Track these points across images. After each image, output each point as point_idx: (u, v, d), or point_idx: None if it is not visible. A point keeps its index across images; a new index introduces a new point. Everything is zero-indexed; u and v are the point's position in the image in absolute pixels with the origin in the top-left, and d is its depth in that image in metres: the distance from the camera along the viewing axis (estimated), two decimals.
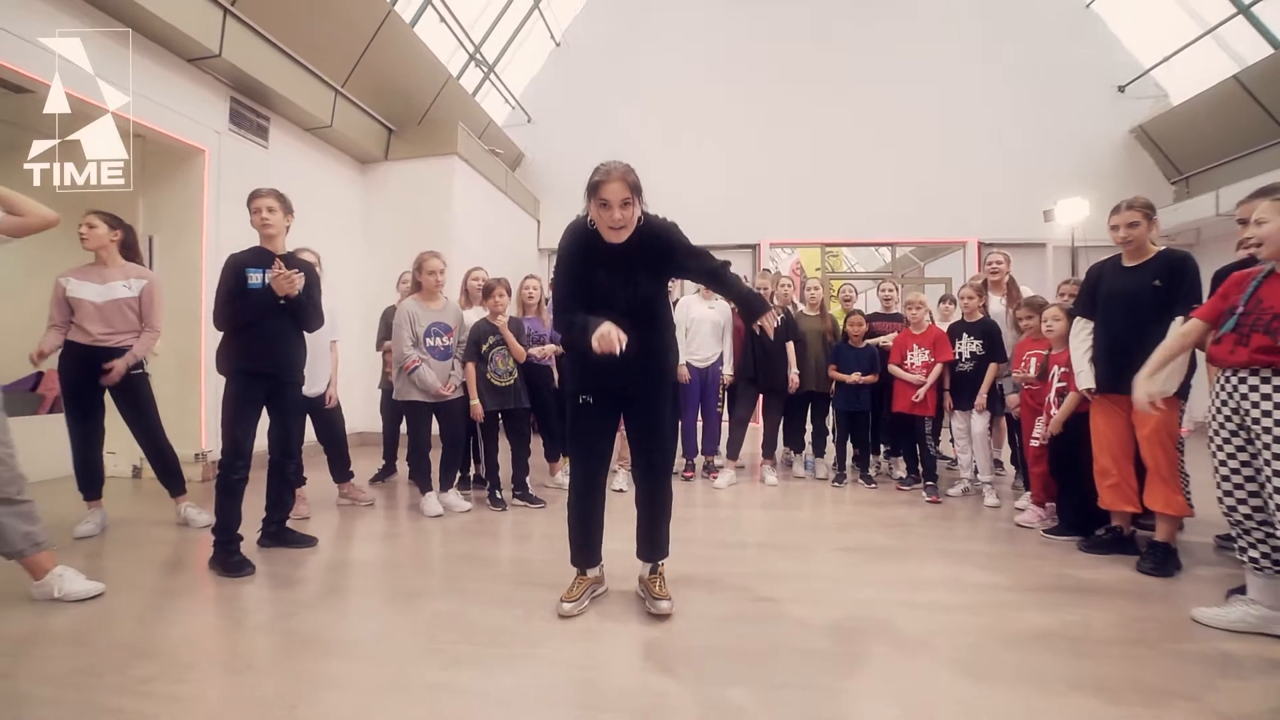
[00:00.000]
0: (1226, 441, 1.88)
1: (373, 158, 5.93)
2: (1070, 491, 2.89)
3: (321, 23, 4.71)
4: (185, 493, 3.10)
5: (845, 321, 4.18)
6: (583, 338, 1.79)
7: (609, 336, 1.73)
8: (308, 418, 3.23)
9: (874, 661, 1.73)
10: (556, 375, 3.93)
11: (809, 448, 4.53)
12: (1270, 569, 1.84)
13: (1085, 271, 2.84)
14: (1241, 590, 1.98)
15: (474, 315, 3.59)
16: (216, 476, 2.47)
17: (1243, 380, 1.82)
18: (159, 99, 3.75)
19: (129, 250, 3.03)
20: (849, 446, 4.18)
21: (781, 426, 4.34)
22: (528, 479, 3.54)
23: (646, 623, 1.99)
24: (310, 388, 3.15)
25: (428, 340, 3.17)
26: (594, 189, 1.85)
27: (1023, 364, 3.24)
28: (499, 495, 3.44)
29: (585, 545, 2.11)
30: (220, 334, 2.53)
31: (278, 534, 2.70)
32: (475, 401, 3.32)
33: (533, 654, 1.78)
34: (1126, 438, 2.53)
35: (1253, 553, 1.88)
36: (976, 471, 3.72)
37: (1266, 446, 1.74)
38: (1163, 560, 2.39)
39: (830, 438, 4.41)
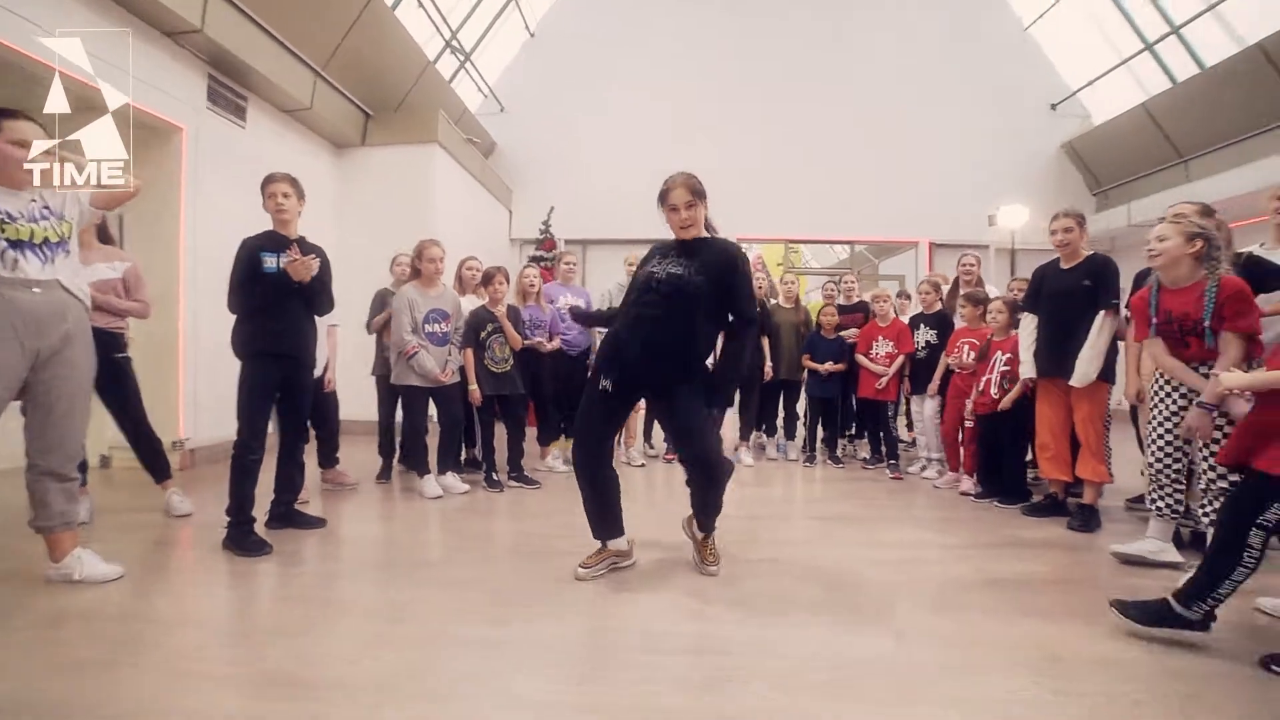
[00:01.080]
0: (1168, 418, 2.26)
1: (349, 142, 5.84)
2: (993, 463, 3.36)
3: (306, 1, 4.62)
4: (171, 478, 3.09)
5: (819, 313, 4.51)
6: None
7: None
8: None
9: (860, 603, 2.02)
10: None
11: (781, 432, 4.87)
12: (1169, 515, 2.31)
13: (1031, 272, 3.26)
14: None
15: (468, 304, 3.70)
16: (232, 457, 2.51)
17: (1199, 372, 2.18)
18: (137, 74, 3.63)
19: (104, 234, 2.98)
20: (819, 430, 4.53)
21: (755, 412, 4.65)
22: (523, 461, 3.70)
23: (665, 580, 2.21)
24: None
25: (426, 326, 3.27)
26: (663, 197, 2.18)
27: (956, 350, 3.64)
28: (495, 477, 3.57)
29: (601, 518, 2.28)
30: (234, 317, 2.56)
31: (286, 515, 2.75)
32: (473, 386, 3.44)
33: (563, 610, 1.97)
34: (1064, 417, 2.94)
35: (1160, 504, 2.32)
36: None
37: None
38: (1089, 519, 2.83)
39: (801, 422, 4.76)
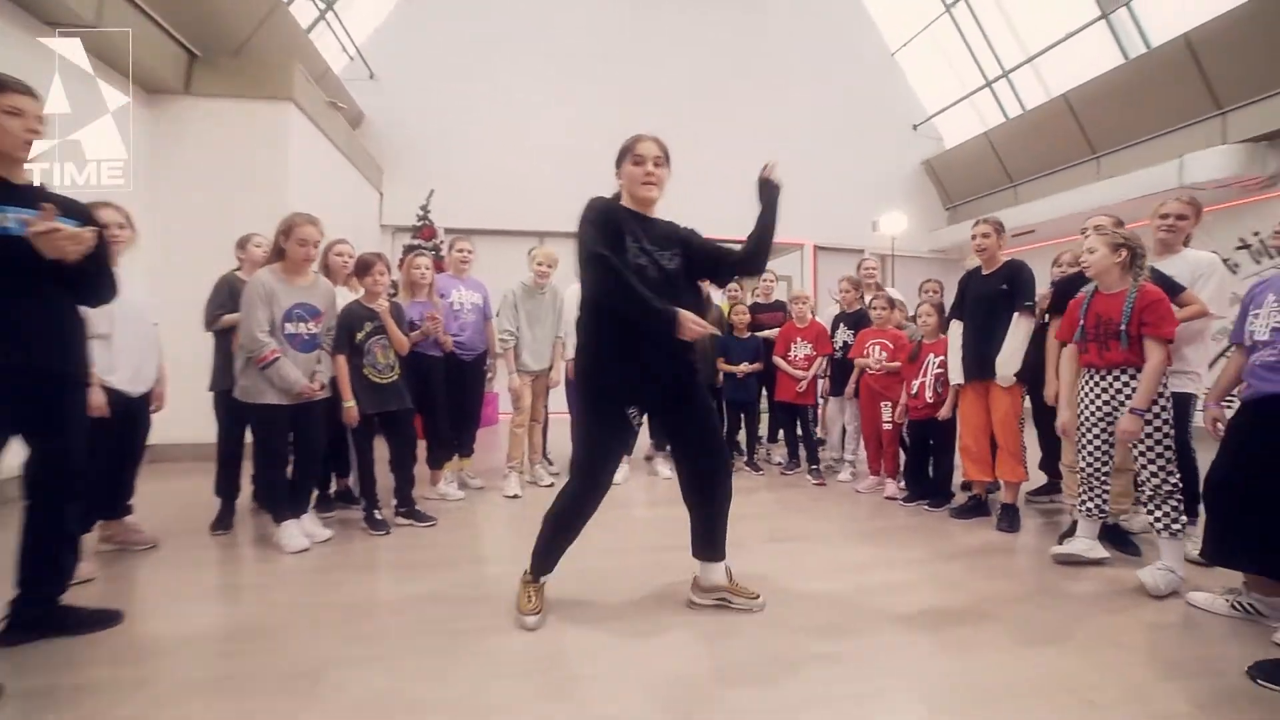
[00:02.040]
0: (1096, 423, 2.32)
1: (168, 88, 4.58)
2: (919, 465, 3.43)
3: None
4: None
5: (730, 313, 4.34)
6: (657, 318, 1.74)
7: (695, 325, 1.72)
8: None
9: (877, 657, 1.78)
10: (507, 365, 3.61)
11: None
12: (1098, 515, 2.40)
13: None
14: (1070, 532, 2.56)
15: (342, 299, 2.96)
16: None
17: (1116, 377, 2.25)
18: None
19: None
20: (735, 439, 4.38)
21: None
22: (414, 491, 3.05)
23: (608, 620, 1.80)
24: (137, 384, 2.40)
25: (288, 325, 2.50)
26: (627, 150, 1.95)
27: (865, 351, 3.68)
28: (379, 515, 2.89)
29: (555, 557, 2.00)
30: None
31: (47, 615, 1.77)
32: (350, 403, 2.73)
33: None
34: (985, 420, 3.02)
35: (1089, 504, 2.40)
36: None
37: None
38: (1013, 519, 2.93)
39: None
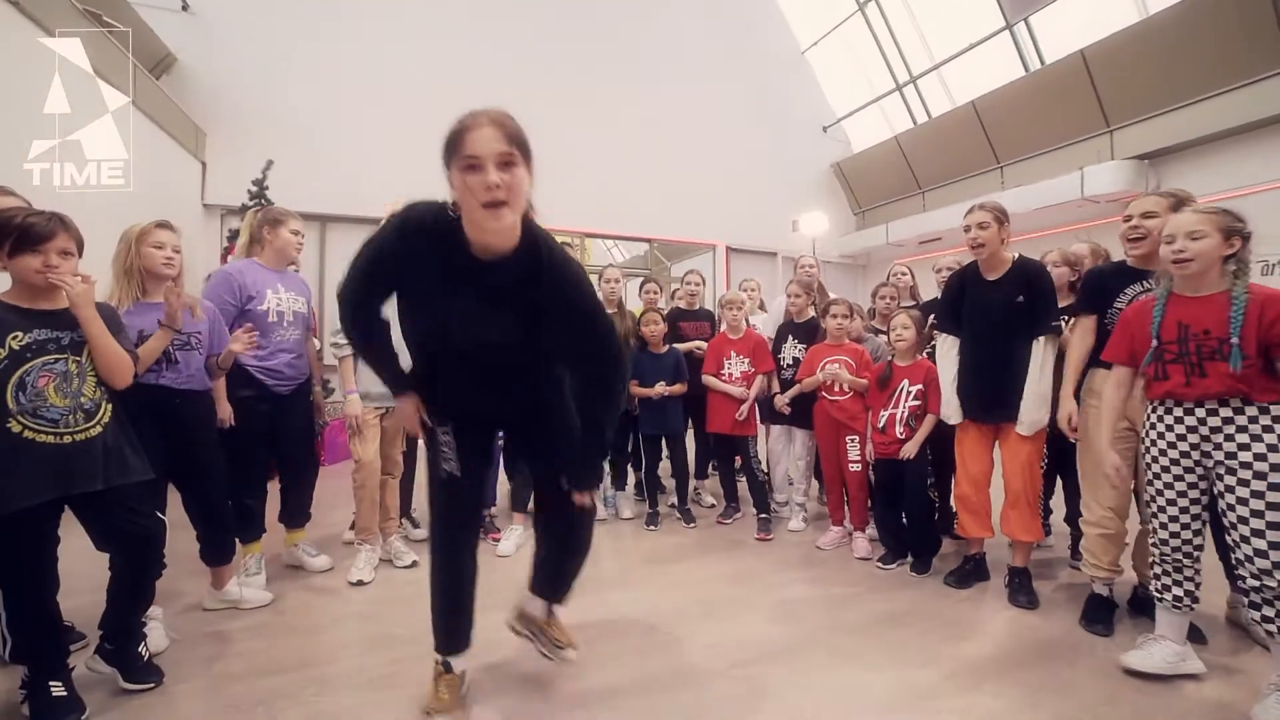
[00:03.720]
0: (1178, 479, 1.68)
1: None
2: (892, 518, 2.71)
3: None
4: None
5: (640, 322, 3.46)
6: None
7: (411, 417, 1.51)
8: None
9: None
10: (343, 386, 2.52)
11: (607, 480, 3.66)
12: (1189, 607, 1.74)
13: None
14: (1098, 616, 1.99)
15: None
16: None
17: (1212, 412, 1.61)
18: None
19: None
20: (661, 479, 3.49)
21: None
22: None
23: None
24: None
25: None
26: (453, 144, 1.26)
27: (819, 370, 2.94)
28: (55, 690, 1.55)
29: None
30: None
31: None
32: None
33: None
34: (989, 464, 2.36)
35: (1177, 590, 1.73)
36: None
37: (1243, 483, 1.55)
38: (1030, 589, 2.27)
39: (630, 467, 3.69)
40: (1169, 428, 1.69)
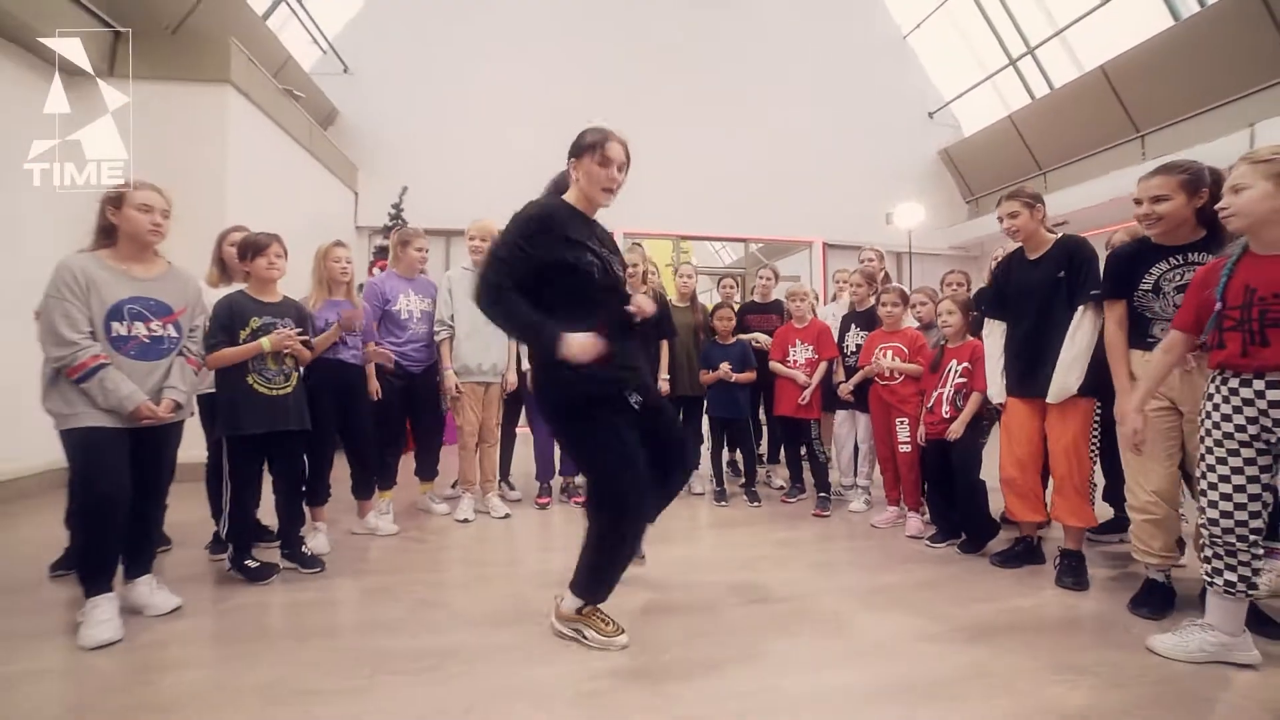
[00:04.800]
0: (1232, 454, 1.61)
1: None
2: (947, 497, 2.73)
3: None
4: None
5: (713, 316, 3.72)
6: (541, 339, 1.67)
7: (588, 344, 1.63)
8: None
9: None
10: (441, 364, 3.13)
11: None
12: (1243, 593, 1.64)
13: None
14: (1149, 601, 1.91)
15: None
16: None
17: (1273, 385, 1.54)
18: None
19: None
20: (734, 458, 3.73)
21: None
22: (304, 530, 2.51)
23: None
24: None
25: (116, 326, 1.88)
26: (594, 146, 1.79)
27: (875, 358, 3.03)
28: (250, 564, 2.29)
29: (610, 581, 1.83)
30: None
31: None
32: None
33: None
34: (1038, 445, 2.34)
35: (1229, 575, 1.64)
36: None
37: None
38: (1080, 572, 2.24)
39: (705, 447, 3.97)
40: (1225, 399, 1.61)
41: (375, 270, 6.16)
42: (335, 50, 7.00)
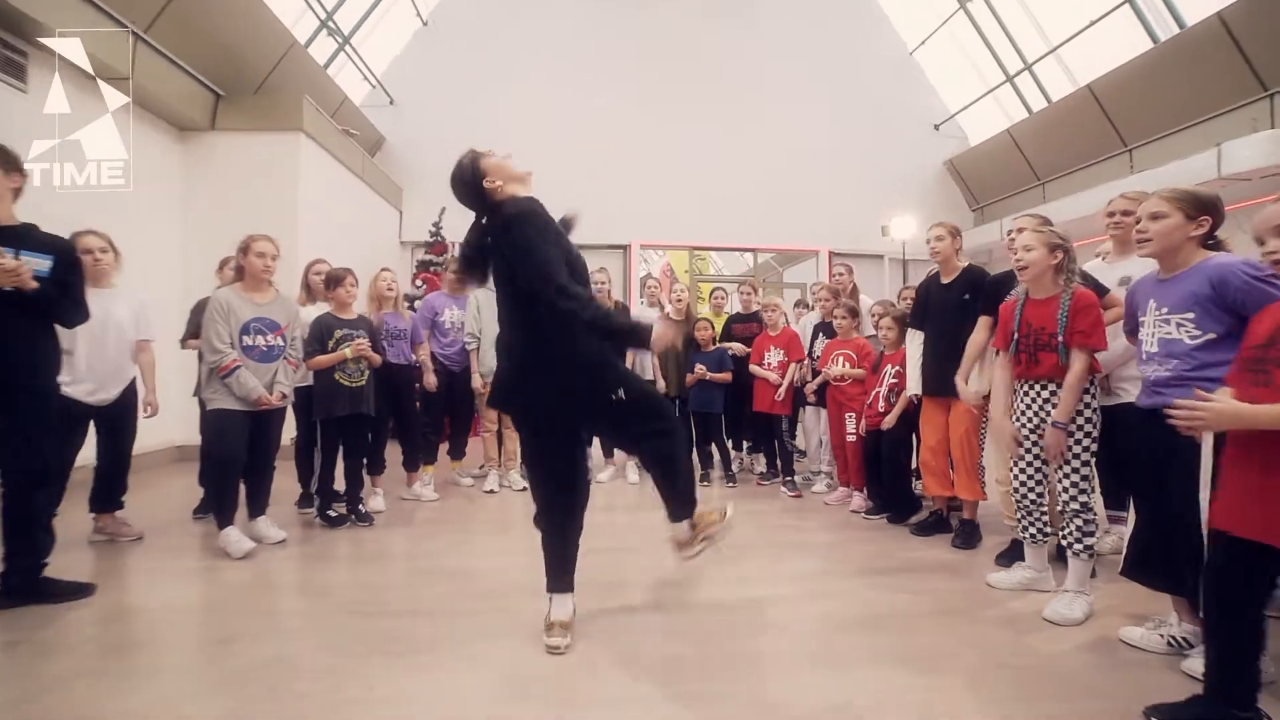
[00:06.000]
0: (1025, 439, 2.17)
1: (196, 125, 5.04)
2: (878, 479, 3.32)
3: None
4: None
5: (694, 327, 4.31)
6: (630, 329, 1.70)
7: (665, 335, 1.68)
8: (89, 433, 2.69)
9: (733, 659, 1.79)
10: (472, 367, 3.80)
11: None
12: (1041, 540, 2.23)
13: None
14: (1010, 556, 2.45)
15: (315, 315, 3.19)
16: None
17: (1044, 387, 2.12)
18: None
19: None
20: (711, 448, 4.35)
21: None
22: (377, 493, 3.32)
23: (498, 648, 1.87)
24: (99, 393, 2.65)
25: (245, 339, 2.67)
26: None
27: (831, 362, 3.61)
28: (332, 513, 3.10)
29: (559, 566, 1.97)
30: None
31: (29, 585, 2.11)
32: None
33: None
34: (945, 434, 2.90)
35: (1032, 529, 2.23)
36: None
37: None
38: (970, 536, 2.81)
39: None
40: (1019, 399, 2.19)
41: (418, 282, 7.03)
42: (382, 85, 7.89)
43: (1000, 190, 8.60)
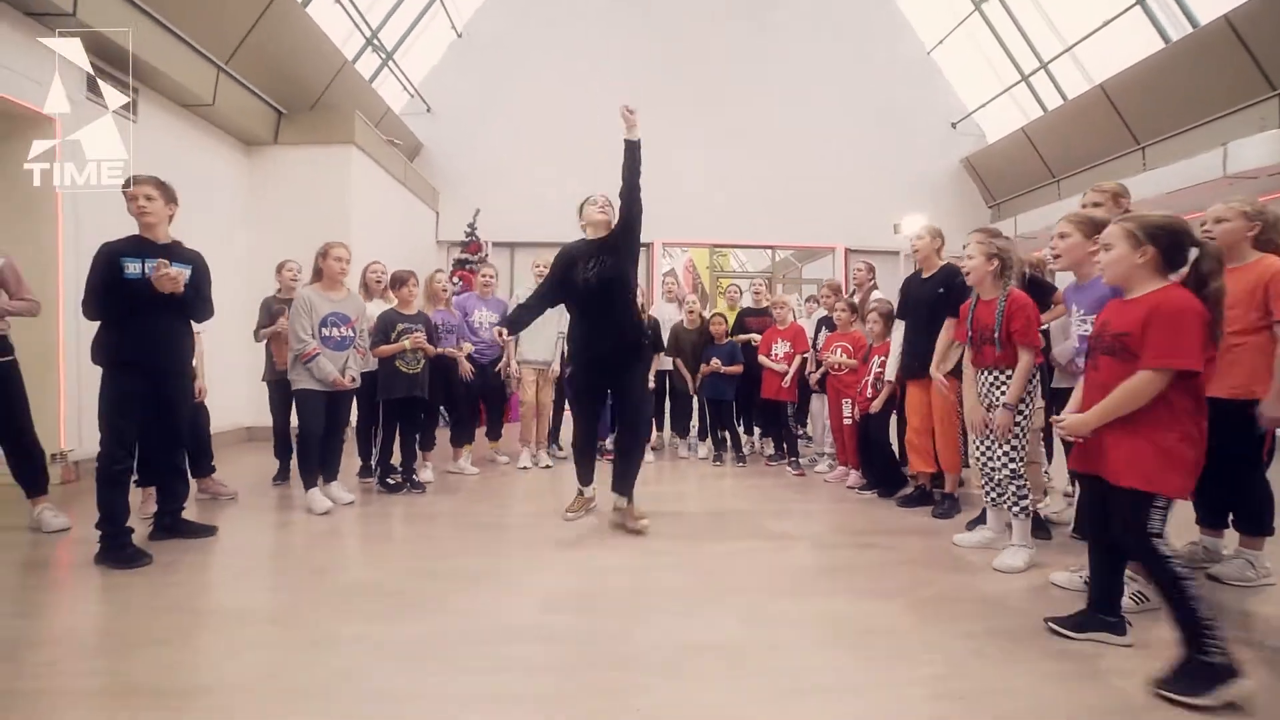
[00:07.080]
0: (982, 418, 2.53)
1: (260, 140, 5.63)
2: (869, 458, 3.68)
3: None
4: (46, 493, 2.93)
5: (710, 322, 4.72)
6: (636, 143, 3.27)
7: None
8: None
9: (719, 593, 2.20)
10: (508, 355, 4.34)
11: (693, 433, 5.07)
12: (996, 503, 2.58)
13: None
14: (981, 523, 2.77)
15: (374, 309, 3.69)
16: (97, 469, 2.44)
17: (990, 373, 2.48)
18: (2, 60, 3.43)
19: None
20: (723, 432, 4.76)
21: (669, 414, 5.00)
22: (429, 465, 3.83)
23: (515, 582, 2.32)
24: None
25: (323, 330, 3.17)
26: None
27: (830, 352, 3.96)
28: (391, 480, 3.60)
29: (585, 472, 3.10)
30: (95, 324, 2.47)
31: (173, 525, 2.69)
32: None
33: (455, 605, 2.05)
34: (927, 415, 3.25)
35: (991, 495, 2.59)
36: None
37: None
38: (949, 507, 3.15)
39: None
40: (976, 385, 2.55)
41: (454, 279, 7.56)
42: (420, 94, 8.43)
43: (1016, 187, 8.74)
